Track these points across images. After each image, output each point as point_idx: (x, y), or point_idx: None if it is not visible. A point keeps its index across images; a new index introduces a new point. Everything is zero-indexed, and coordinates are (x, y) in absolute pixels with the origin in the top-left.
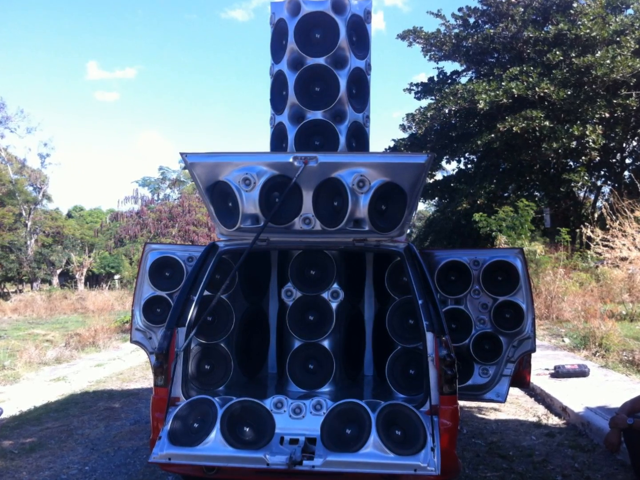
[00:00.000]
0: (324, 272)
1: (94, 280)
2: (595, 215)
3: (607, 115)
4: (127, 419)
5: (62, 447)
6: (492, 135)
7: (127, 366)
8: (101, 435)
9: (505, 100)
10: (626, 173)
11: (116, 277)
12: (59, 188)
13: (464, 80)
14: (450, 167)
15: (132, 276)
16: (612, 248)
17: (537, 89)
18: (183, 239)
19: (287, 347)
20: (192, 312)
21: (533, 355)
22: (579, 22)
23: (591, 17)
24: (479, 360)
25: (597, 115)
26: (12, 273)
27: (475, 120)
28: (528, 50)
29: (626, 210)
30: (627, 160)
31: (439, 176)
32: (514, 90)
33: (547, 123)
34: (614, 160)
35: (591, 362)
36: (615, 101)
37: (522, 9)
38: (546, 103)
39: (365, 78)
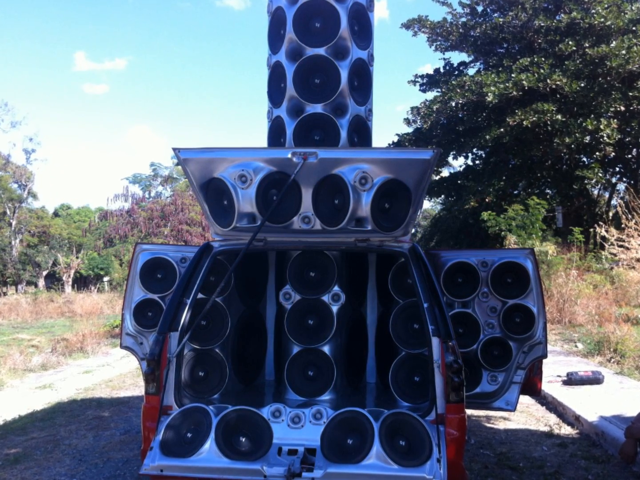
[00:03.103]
0: (324, 273)
1: (82, 282)
2: (610, 214)
3: (622, 108)
4: (116, 428)
5: (48, 458)
6: (502, 129)
7: (116, 373)
8: (89, 445)
9: (515, 93)
10: None
11: (105, 279)
12: (45, 185)
13: (471, 71)
14: (457, 163)
15: (122, 278)
16: (627, 248)
17: (548, 80)
18: (176, 239)
19: (285, 353)
20: (185, 316)
21: (544, 361)
22: (593, 11)
23: (605, 5)
24: (487, 366)
25: (612, 109)
26: None
27: (484, 114)
28: (539, 40)
29: None
30: None
31: (445, 173)
32: (524, 82)
33: (559, 117)
34: (629, 156)
35: (605, 369)
36: (631, 94)
37: None
38: (558, 96)
39: (368, 69)
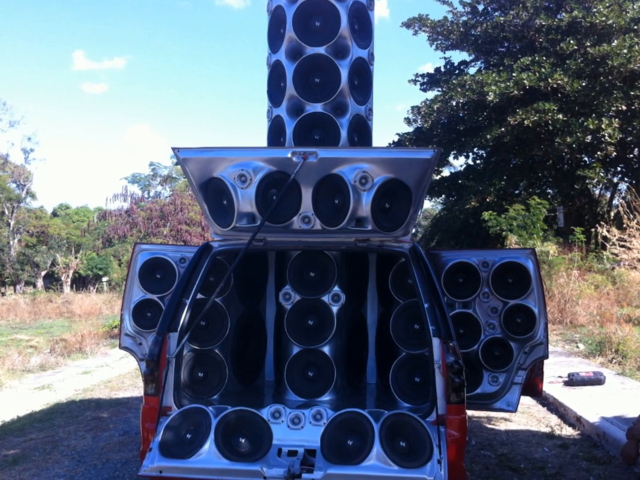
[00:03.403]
0: (324, 274)
1: (80, 282)
2: (612, 213)
3: (624, 107)
4: (115, 429)
5: (46, 459)
6: (502, 129)
7: (115, 374)
8: (88, 446)
9: (516, 92)
10: None
11: (104, 279)
12: (44, 185)
13: (472, 70)
14: (458, 162)
15: (121, 278)
16: (629, 248)
17: (549, 80)
18: (175, 239)
19: (285, 354)
20: (184, 316)
21: (546, 362)
22: (594, 10)
23: (607, 4)
24: (488, 367)
25: (613, 108)
26: None
27: (485, 113)
28: (540, 39)
29: None
30: None
31: (446, 172)
32: (525, 81)
33: (560, 116)
34: (631, 155)
35: (607, 370)
36: (632, 93)
37: None
38: (559, 95)
39: (368, 68)
